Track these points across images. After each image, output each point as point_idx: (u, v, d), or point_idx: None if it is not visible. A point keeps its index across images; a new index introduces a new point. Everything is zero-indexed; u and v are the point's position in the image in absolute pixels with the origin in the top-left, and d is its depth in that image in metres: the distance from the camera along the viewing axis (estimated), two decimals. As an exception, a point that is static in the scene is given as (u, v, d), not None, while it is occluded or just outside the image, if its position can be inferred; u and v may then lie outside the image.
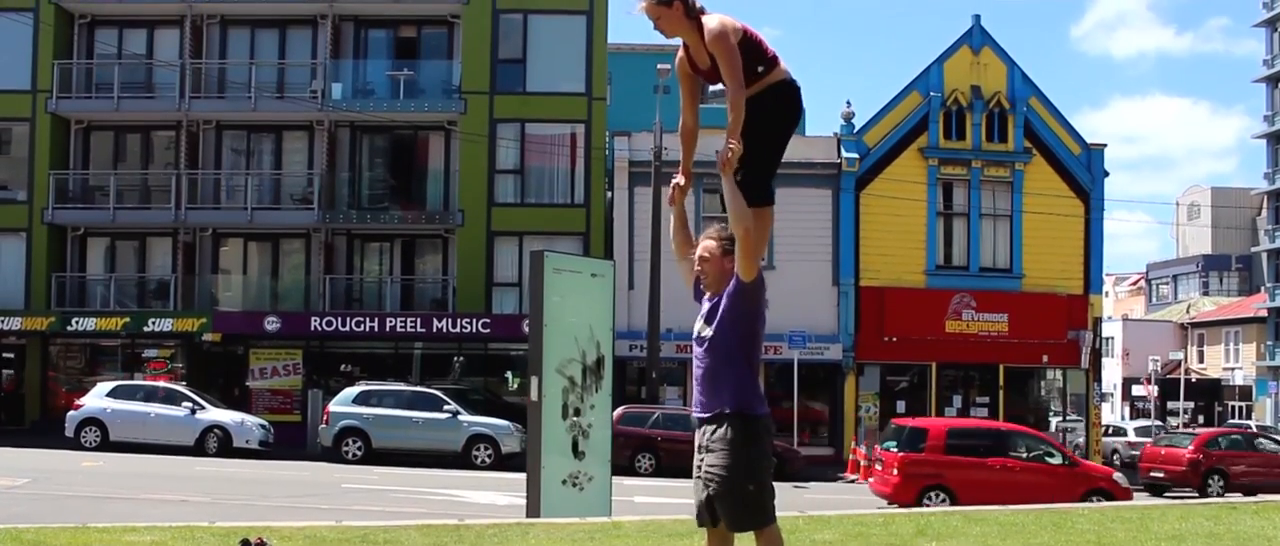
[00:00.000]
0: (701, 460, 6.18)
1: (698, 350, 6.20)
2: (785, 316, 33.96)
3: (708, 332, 6.15)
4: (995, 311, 37.73)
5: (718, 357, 6.11)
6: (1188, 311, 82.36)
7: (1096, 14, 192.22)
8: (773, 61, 6.32)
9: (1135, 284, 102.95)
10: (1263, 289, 75.17)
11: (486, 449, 30.53)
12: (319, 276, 37.87)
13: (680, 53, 6.43)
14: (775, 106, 6.29)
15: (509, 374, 37.10)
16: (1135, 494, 26.34)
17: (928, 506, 20.98)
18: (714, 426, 6.10)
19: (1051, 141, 38.74)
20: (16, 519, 13.97)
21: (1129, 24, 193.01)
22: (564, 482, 14.19)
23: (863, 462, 32.05)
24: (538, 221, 37.56)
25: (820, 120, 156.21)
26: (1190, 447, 31.99)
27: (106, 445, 30.55)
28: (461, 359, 37.63)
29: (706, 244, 6.22)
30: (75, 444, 30.65)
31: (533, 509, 13.86)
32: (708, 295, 6.26)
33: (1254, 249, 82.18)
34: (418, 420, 30.92)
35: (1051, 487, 22.65)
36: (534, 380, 14.00)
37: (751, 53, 6.26)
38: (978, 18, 38.90)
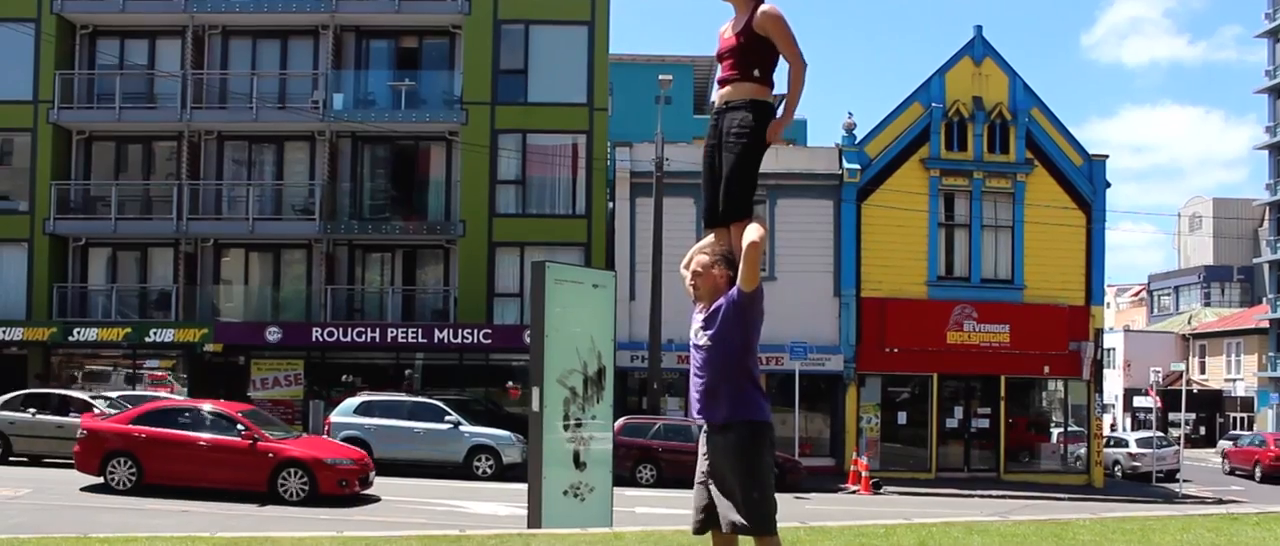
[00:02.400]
0: (707, 467, 6.21)
1: (697, 357, 6.24)
2: (786, 327, 33.99)
3: (705, 340, 6.19)
4: (997, 322, 37.72)
5: (719, 365, 6.18)
6: (1189, 322, 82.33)
7: (1108, 21, 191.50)
8: (769, 77, 6.45)
9: (1137, 295, 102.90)
10: (1264, 300, 75.12)
11: (488, 459, 30.49)
12: (320, 287, 37.87)
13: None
14: (759, 125, 6.40)
15: (510, 384, 37.08)
16: None
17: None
18: (719, 434, 6.14)
19: (1053, 152, 38.75)
20: (18, 529, 13.97)
21: (1142, 32, 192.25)
22: (565, 493, 14.18)
23: (864, 473, 32.10)
24: (539, 232, 37.58)
25: (822, 131, 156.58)
26: None
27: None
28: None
29: (700, 258, 6.30)
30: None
31: (534, 519, 13.85)
32: (701, 306, 6.31)
33: (1256, 260, 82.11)
34: (419, 431, 30.88)
35: None
36: (535, 391, 14.01)
37: (766, 54, 6.40)
38: (979, 29, 38.93)
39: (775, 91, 6.53)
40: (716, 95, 6.64)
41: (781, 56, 6.46)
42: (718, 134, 6.49)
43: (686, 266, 6.50)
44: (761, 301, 6.23)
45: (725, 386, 6.16)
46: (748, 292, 6.13)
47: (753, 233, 6.14)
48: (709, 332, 6.19)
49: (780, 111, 6.48)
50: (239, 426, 22.32)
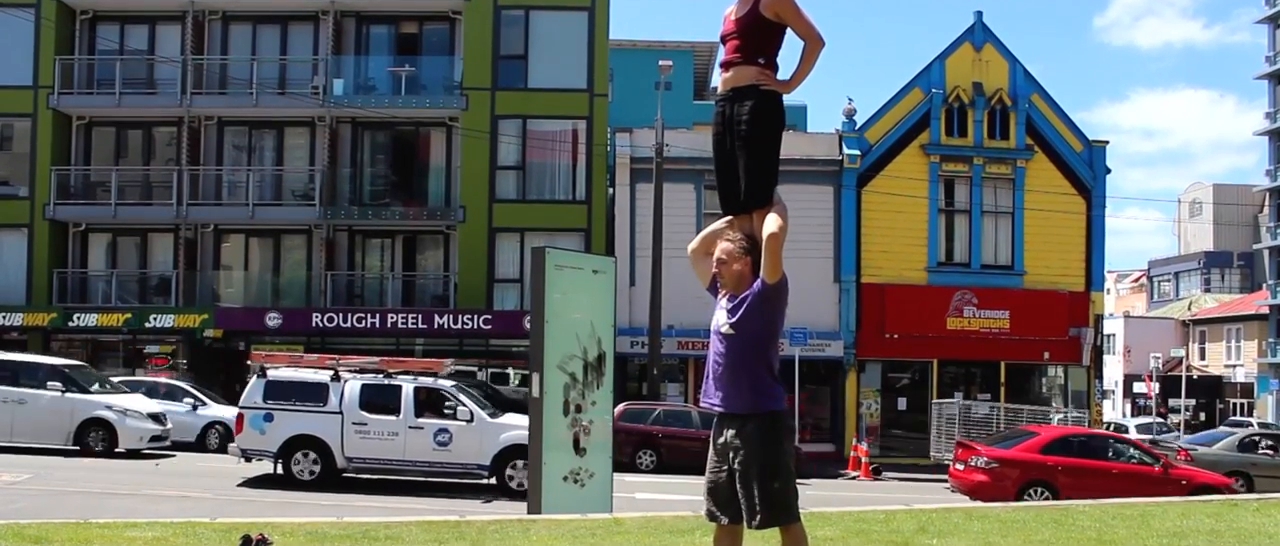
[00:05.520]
0: (723, 457, 6.18)
1: (718, 345, 6.22)
2: (786, 313, 33.89)
3: (728, 329, 6.17)
4: (997, 308, 37.74)
5: (739, 354, 6.14)
6: (1189, 308, 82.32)
7: (1122, 3, 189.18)
8: (773, 61, 6.41)
9: (1137, 281, 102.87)
10: (1264, 286, 75.09)
11: None
12: (320, 272, 37.88)
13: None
14: (772, 111, 6.38)
15: (510, 370, 37.08)
16: None
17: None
18: (737, 425, 6.12)
19: (1053, 138, 38.74)
20: (19, 514, 13.97)
21: (1156, 14, 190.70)
22: (565, 479, 14.18)
23: (864, 459, 32.10)
24: (539, 218, 37.56)
25: (822, 117, 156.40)
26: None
27: (108, 441, 30.48)
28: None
29: (725, 246, 6.25)
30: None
31: (534, 505, 13.86)
32: (725, 293, 6.28)
33: (1256, 246, 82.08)
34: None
35: None
36: (535, 376, 14.00)
37: (770, 38, 6.36)
38: (980, 14, 38.90)
39: (780, 75, 6.48)
40: (719, 79, 6.57)
41: (791, 37, 6.41)
42: (725, 121, 6.42)
43: (705, 252, 6.46)
44: (785, 292, 6.20)
45: (744, 377, 6.13)
46: (771, 284, 6.11)
47: (773, 224, 6.10)
48: (732, 321, 6.16)
49: (786, 77, 6.45)
50: (1142, 454, 23.05)
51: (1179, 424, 46.07)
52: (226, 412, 31.47)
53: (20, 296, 37.52)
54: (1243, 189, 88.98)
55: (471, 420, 22.38)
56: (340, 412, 22.44)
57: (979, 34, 38.73)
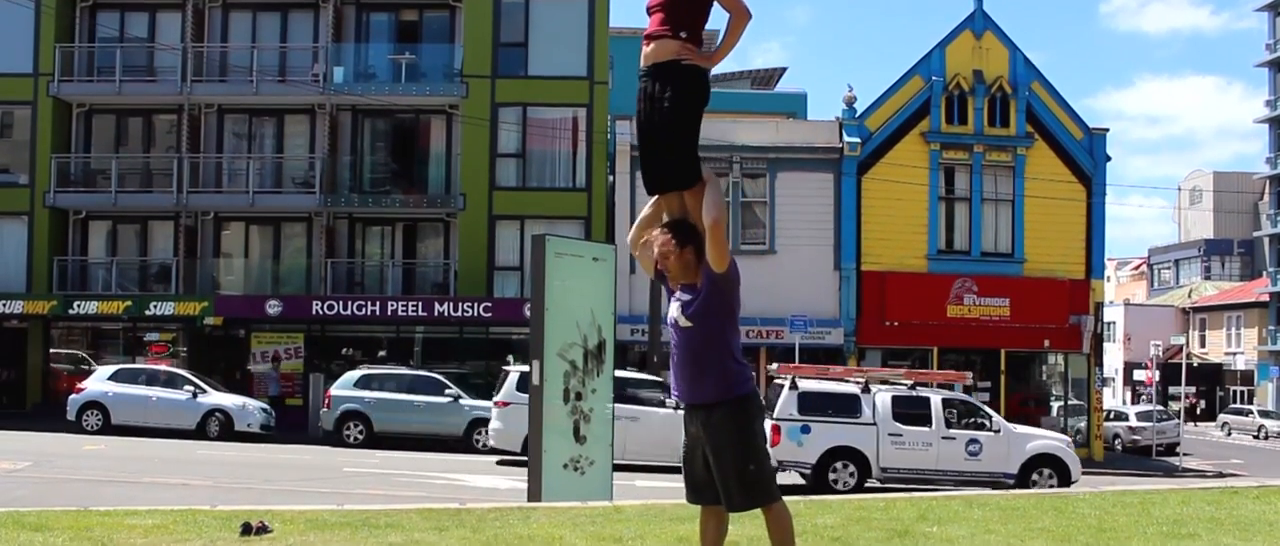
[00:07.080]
0: (696, 444, 6.19)
1: (677, 337, 6.17)
2: (787, 301, 33.96)
3: (686, 324, 6.11)
4: (997, 296, 37.71)
5: (699, 346, 6.09)
6: (1190, 296, 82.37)
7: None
8: (698, 36, 6.28)
9: (1137, 268, 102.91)
10: (1264, 274, 75.14)
11: (488, 432, 30.50)
12: (320, 260, 37.87)
13: None
14: (695, 87, 6.24)
15: (510, 358, 37.09)
16: None
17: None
18: (706, 413, 6.10)
19: (1053, 126, 38.70)
20: (18, 502, 13.97)
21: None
22: (565, 467, 14.18)
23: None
24: (539, 205, 37.53)
25: (822, 104, 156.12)
26: None
27: (108, 429, 30.59)
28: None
29: (660, 239, 6.16)
30: (77, 427, 30.68)
31: (534, 493, 13.85)
32: (675, 284, 6.22)
33: (1256, 233, 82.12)
34: (419, 404, 30.93)
35: None
36: (535, 364, 13.99)
37: (696, 11, 6.24)
38: (980, 2, 38.84)
39: (703, 48, 6.28)
40: (642, 54, 6.37)
41: (718, 8, 6.23)
42: (649, 99, 6.24)
43: (644, 242, 6.40)
44: (737, 276, 6.14)
45: (710, 367, 6.09)
46: (719, 273, 6.04)
47: (712, 212, 5.99)
48: (689, 315, 6.10)
49: (712, 48, 6.29)
50: None
51: (1179, 411, 46.01)
52: (226, 400, 31.63)
53: (20, 284, 37.51)
54: (1243, 176, 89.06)
55: (999, 431, 23.44)
56: (875, 424, 23.13)
57: (979, 21, 38.69)
